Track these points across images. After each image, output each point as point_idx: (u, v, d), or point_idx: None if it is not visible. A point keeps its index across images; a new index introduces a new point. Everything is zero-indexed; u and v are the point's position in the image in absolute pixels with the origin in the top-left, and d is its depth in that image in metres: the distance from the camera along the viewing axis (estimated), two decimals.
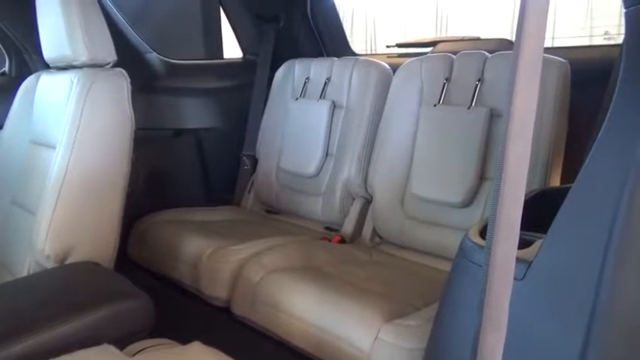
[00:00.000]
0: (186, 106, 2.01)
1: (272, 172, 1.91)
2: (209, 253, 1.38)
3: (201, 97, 2.03)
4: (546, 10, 0.42)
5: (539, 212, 0.72)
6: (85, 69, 1.24)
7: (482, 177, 1.37)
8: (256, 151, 2.01)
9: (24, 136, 1.38)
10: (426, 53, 1.93)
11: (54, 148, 1.20)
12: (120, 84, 1.23)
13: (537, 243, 0.69)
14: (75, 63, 1.26)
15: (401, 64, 1.73)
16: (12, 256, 1.23)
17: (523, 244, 0.72)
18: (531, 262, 0.65)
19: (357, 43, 4.88)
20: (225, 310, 1.31)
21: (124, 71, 1.27)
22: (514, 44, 0.44)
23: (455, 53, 1.57)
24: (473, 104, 1.42)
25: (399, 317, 1.02)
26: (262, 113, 2.03)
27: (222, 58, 2.43)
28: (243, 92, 2.10)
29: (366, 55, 2.25)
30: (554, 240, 0.67)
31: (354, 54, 2.20)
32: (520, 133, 0.45)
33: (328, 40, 2.17)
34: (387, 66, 1.75)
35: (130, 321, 0.92)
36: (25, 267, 1.15)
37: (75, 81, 1.20)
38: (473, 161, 1.36)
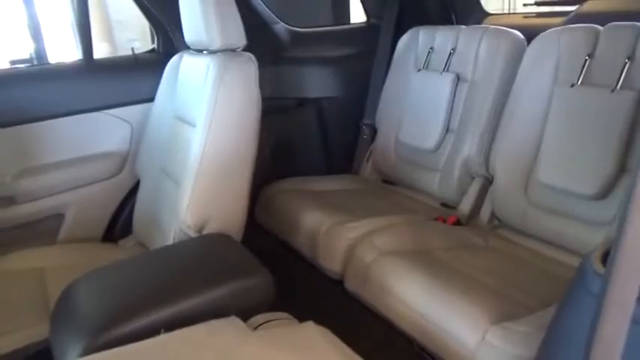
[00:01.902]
0: (309, 75, 2.06)
1: (391, 144, 1.91)
2: (326, 229, 1.47)
3: (324, 66, 2.06)
4: None
5: None
6: (219, 54, 1.35)
7: (622, 168, 1.24)
8: (376, 121, 2.01)
9: (170, 111, 1.56)
10: (569, 13, 1.73)
11: (194, 126, 1.35)
12: (249, 69, 1.32)
13: None
14: (210, 48, 1.37)
15: (538, 28, 1.57)
16: (162, 220, 1.44)
17: None
18: None
19: (493, 2, 4.44)
20: (339, 283, 1.40)
21: (252, 56, 1.36)
22: None
23: (606, 18, 1.39)
24: (618, 86, 1.26)
25: (509, 319, 1.01)
26: (383, 82, 2.01)
27: (348, 22, 2.42)
28: (366, 60, 2.09)
29: (500, 14, 2.08)
30: None
31: (486, 14, 2.04)
32: None
33: None
34: (521, 36, 1.60)
35: (254, 295, 1.04)
36: (171, 233, 1.34)
37: (210, 66, 1.32)
38: (612, 149, 1.23)
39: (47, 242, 1.67)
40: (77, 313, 0.96)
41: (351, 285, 1.35)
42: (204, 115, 1.29)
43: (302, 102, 2.07)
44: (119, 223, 1.79)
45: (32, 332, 1.09)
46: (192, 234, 1.27)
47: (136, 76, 1.79)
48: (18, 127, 1.59)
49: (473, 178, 1.64)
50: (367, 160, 2.03)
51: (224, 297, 1.00)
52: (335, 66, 2.07)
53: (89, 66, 1.74)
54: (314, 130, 2.07)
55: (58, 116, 1.65)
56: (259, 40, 1.92)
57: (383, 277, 1.25)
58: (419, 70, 1.84)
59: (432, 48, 1.81)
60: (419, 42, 1.87)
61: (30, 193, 1.62)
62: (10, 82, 1.60)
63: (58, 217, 1.69)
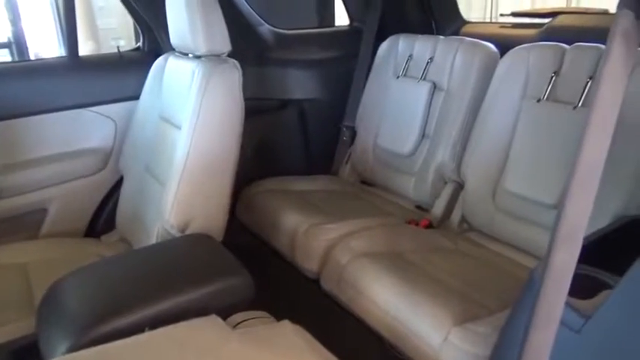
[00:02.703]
0: (292, 77, 2.11)
1: (369, 147, 1.98)
2: (304, 230, 1.53)
3: (307, 68, 2.11)
4: None
5: (625, 247, 0.69)
6: (204, 59, 1.39)
7: None
8: (356, 124, 2.08)
9: (154, 111, 1.60)
10: (542, 25, 1.82)
11: (179, 128, 1.40)
12: (233, 76, 1.37)
13: (603, 294, 0.70)
14: (196, 53, 1.42)
15: (513, 38, 1.65)
16: (145, 218, 1.48)
17: (590, 289, 0.72)
18: (590, 315, 0.67)
19: (475, 10, 4.51)
20: (316, 282, 1.47)
21: (236, 63, 1.41)
22: None
23: (575, 32, 1.47)
24: (580, 104, 1.35)
25: (470, 321, 1.09)
26: (364, 86, 2.07)
27: (333, 25, 2.47)
28: (348, 63, 2.15)
29: (478, 22, 2.15)
30: (625, 292, 0.64)
31: (465, 22, 2.12)
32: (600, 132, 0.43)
33: (436, 5, 2.10)
34: (494, 49, 1.68)
35: (234, 295, 1.10)
36: (155, 231, 1.38)
37: (196, 72, 1.36)
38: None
39: (30, 237, 1.70)
40: (64, 310, 1.01)
41: (326, 284, 1.43)
42: (189, 118, 1.33)
43: (284, 103, 2.12)
44: (102, 219, 1.83)
45: (17, 327, 1.13)
46: (176, 233, 1.33)
47: (121, 74, 1.81)
48: (2, 122, 1.61)
49: (445, 183, 1.72)
50: (346, 162, 2.10)
51: (205, 296, 1.05)
52: (318, 68, 2.12)
53: (74, 63, 1.76)
54: (295, 131, 2.13)
55: (42, 112, 1.68)
56: (243, 41, 1.96)
57: (357, 279, 1.32)
58: (398, 77, 1.91)
59: (410, 56, 1.88)
60: (399, 49, 1.94)
61: (13, 187, 1.64)
62: None
63: (42, 211, 1.72)
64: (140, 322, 0.96)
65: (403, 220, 1.66)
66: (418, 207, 1.80)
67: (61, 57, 1.78)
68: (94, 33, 2.20)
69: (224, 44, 1.40)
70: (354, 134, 2.09)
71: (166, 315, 0.98)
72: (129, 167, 1.69)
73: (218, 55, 1.41)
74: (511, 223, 1.48)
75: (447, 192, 1.71)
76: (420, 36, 1.90)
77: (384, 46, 2.01)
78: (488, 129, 1.56)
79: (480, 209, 1.55)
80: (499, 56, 1.66)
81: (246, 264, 1.14)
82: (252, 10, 2.05)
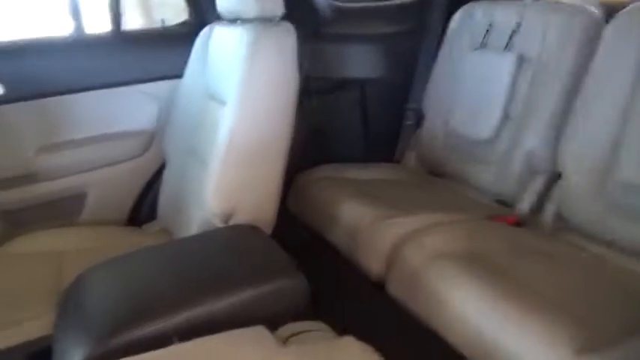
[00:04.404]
0: (352, 54, 1.90)
1: (439, 131, 1.73)
2: (368, 223, 1.31)
3: (368, 44, 1.89)
4: None
5: None
6: (254, 23, 1.20)
7: None
8: (423, 105, 1.83)
9: (200, 88, 1.43)
10: None
11: (224, 103, 1.21)
12: (287, 41, 1.16)
13: None
14: (244, 16, 1.22)
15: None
16: (186, 206, 1.31)
17: None
18: None
19: None
20: (381, 286, 1.24)
21: (291, 26, 1.20)
22: None
23: None
24: None
25: (593, 351, 0.83)
26: (433, 63, 1.82)
27: None
28: (414, 38, 1.91)
29: None
30: None
31: None
32: None
33: None
34: (598, 14, 1.39)
35: (285, 301, 0.90)
36: (195, 220, 1.21)
37: (244, 36, 1.17)
38: None
39: (68, 223, 1.57)
40: (85, 309, 0.84)
41: (395, 290, 1.19)
42: (234, 91, 1.14)
43: (342, 83, 1.91)
44: (144, 207, 1.68)
45: (36, 326, 0.97)
46: (218, 223, 1.14)
47: (166, 49, 1.66)
48: (41, 100, 1.49)
49: (535, 174, 1.44)
50: (412, 149, 1.85)
51: (250, 301, 0.86)
52: (380, 44, 1.89)
53: (117, 38, 1.62)
54: (354, 114, 1.91)
55: (82, 90, 1.54)
56: (298, 13, 1.76)
57: (433, 284, 1.08)
58: (475, 50, 1.64)
59: (490, 25, 1.61)
60: (476, 18, 1.67)
61: (52, 170, 1.52)
62: (33, 52, 1.50)
63: (81, 197, 1.59)
64: (170, 330, 0.78)
65: (483, 215, 1.40)
66: (499, 202, 1.53)
67: (104, 32, 1.64)
68: (146, 7, 2.06)
69: (276, 6, 1.20)
70: (420, 117, 1.84)
71: (202, 323, 0.80)
72: (172, 151, 1.53)
73: (270, 19, 1.21)
74: (625, 222, 1.19)
75: (537, 184, 1.43)
76: (501, 1, 1.62)
77: (457, 16, 1.75)
78: (595, 109, 1.27)
79: (582, 204, 1.27)
80: (604, 21, 1.36)
81: (299, 263, 0.94)
82: None
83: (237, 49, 1.17)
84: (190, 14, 1.74)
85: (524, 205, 1.43)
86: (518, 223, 1.40)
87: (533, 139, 1.42)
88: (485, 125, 1.55)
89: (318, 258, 1.41)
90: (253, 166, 1.15)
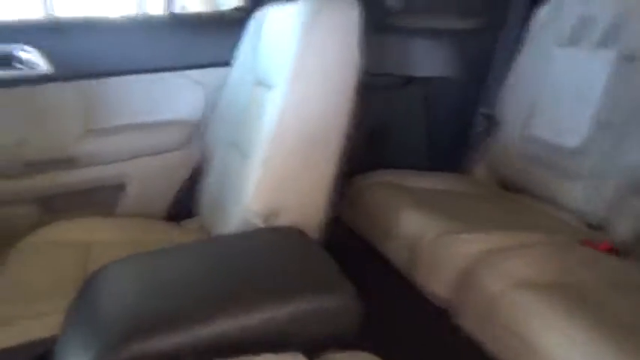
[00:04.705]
0: (419, 49, 1.72)
1: (515, 139, 1.51)
2: (432, 238, 1.12)
3: (438, 40, 1.71)
4: None
5: None
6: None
7: None
8: (497, 109, 1.62)
9: (249, 76, 1.29)
10: None
11: (272, 87, 1.06)
12: (349, 17, 1.00)
13: None
14: None
15: None
16: (226, 203, 1.17)
17: None
18: None
19: None
20: (445, 313, 1.04)
21: (355, 2, 1.04)
22: None
23: None
24: None
25: None
26: (510, 62, 1.61)
27: None
28: (489, 35, 1.71)
29: None
30: None
31: None
32: None
33: None
34: None
35: (331, 323, 0.72)
36: (234, 219, 1.06)
37: (300, 11, 1.02)
38: None
39: (105, 214, 1.47)
40: (96, 308, 0.70)
41: (463, 319, 0.99)
42: (284, 70, 0.99)
43: (407, 81, 1.73)
44: (184, 202, 1.56)
45: (45, 324, 0.85)
46: (259, 223, 0.98)
47: (218, 35, 1.54)
48: (88, 81, 1.40)
49: (636, 192, 1.20)
50: (481, 158, 1.64)
51: (289, 319, 0.69)
52: (451, 41, 1.70)
53: (166, 20, 1.52)
54: (417, 116, 1.72)
55: (129, 73, 1.44)
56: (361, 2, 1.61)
57: (514, 316, 0.88)
58: (564, 46, 1.42)
59: (585, 17, 1.39)
60: (566, 10, 1.46)
61: (92, 157, 1.42)
62: (83, 32, 1.42)
63: (119, 187, 1.49)
64: (190, 345, 0.62)
65: (572, 238, 1.17)
66: (590, 226, 1.28)
67: (155, 14, 1.55)
68: None
69: None
70: (493, 123, 1.63)
71: (229, 340, 0.64)
72: (215, 143, 1.41)
73: None
74: None
75: (638, 205, 1.19)
76: None
77: (544, 10, 1.53)
78: None
79: None
80: None
81: (348, 278, 0.76)
82: None
83: (292, 26, 1.02)
84: None
85: (622, 229, 1.19)
86: (613, 251, 1.16)
87: (635, 152, 1.19)
88: (573, 132, 1.33)
89: (369, 274, 1.23)
90: (302, 160, 0.99)
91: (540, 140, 1.42)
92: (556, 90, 1.42)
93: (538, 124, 1.45)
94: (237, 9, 1.64)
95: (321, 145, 1.01)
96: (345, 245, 1.28)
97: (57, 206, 1.41)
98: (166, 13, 1.52)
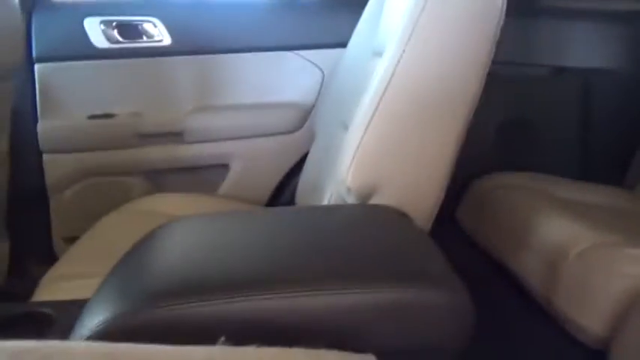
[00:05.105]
0: (574, 35, 1.45)
1: None
2: (580, 251, 0.84)
3: (600, 24, 1.43)
4: None
5: None
6: None
7: None
8: None
9: (365, 54, 1.14)
10: None
11: (381, 54, 0.89)
12: None
13: None
14: None
15: None
16: (323, 182, 1.02)
17: None
18: None
19: None
20: (600, 354, 0.75)
21: None
22: None
23: None
24: None
25: None
26: None
27: None
28: None
29: None
30: None
31: None
32: None
33: None
34: None
35: (425, 323, 0.52)
36: (326, 195, 0.90)
37: None
38: None
39: (207, 193, 1.43)
40: (135, 266, 0.59)
41: None
42: (398, 34, 0.80)
43: (558, 72, 1.45)
44: (288, 189, 1.46)
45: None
46: (353, 200, 0.81)
47: (336, 15, 1.43)
48: (204, 56, 1.38)
49: None
50: None
51: (367, 308, 0.50)
52: (619, 24, 1.42)
53: (285, 0, 1.46)
54: (570, 114, 1.44)
55: (245, 51, 1.40)
56: None
57: None
58: None
59: None
60: None
61: (199, 133, 1.40)
62: (203, 7, 1.41)
63: (223, 168, 1.45)
64: (227, 319, 0.47)
65: None
66: None
67: None
68: None
69: None
70: None
71: (281, 321, 0.47)
72: (322, 125, 1.28)
73: None
74: None
75: None
76: None
77: None
78: None
79: None
80: None
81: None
82: None
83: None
84: None
85: None
86: None
87: None
88: None
89: (491, 296, 0.97)
90: (412, 132, 0.79)
91: None
92: None
93: None
94: None
95: (438, 118, 0.80)
96: (462, 256, 1.06)
97: (163, 180, 1.41)
98: None
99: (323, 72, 1.40)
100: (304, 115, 1.42)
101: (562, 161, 1.42)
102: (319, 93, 1.40)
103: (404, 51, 0.80)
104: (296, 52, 1.41)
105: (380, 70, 0.83)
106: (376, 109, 0.80)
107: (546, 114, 1.43)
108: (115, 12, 1.32)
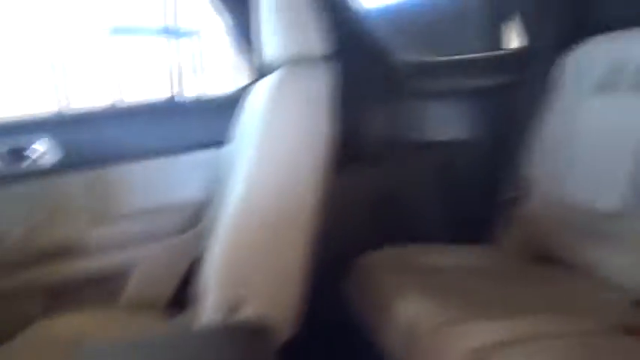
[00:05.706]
0: (435, 113, 1.61)
1: (550, 203, 1.32)
2: (430, 327, 0.93)
3: (455, 102, 1.61)
4: None
5: None
6: (285, 66, 0.98)
7: None
8: (527, 171, 1.43)
9: (237, 152, 1.24)
10: None
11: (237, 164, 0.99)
12: (314, 85, 0.92)
13: None
14: (275, 62, 1.02)
15: None
16: (200, 289, 1.06)
17: None
18: None
19: None
20: None
21: (331, 67, 0.96)
22: None
23: None
24: None
25: None
26: (536, 121, 1.44)
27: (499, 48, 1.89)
28: (512, 93, 1.57)
29: None
30: None
31: None
32: None
33: None
34: None
35: None
36: (201, 313, 0.95)
37: (269, 82, 0.96)
38: None
39: (110, 302, 1.43)
40: None
41: None
42: (248, 146, 0.92)
43: (422, 147, 1.60)
44: (189, 287, 1.49)
45: None
46: (220, 317, 0.87)
47: (218, 115, 1.53)
48: (94, 170, 1.42)
49: None
50: (510, 227, 1.43)
51: None
52: (470, 101, 1.60)
53: (166, 105, 1.55)
54: (435, 183, 1.57)
55: (129, 160, 1.45)
56: (372, 70, 1.56)
57: None
58: (597, 94, 1.25)
59: (620, 61, 1.22)
60: (596, 57, 1.30)
61: (96, 245, 1.41)
62: (91, 121, 1.48)
63: (123, 275, 1.45)
64: None
65: (612, 324, 0.93)
66: (637, 302, 1.03)
67: (155, 100, 1.59)
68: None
69: (312, 42, 0.97)
70: (523, 187, 1.43)
71: None
72: (213, 226, 1.34)
73: (306, 60, 0.98)
74: None
75: None
76: (636, 30, 1.23)
77: (571, 58, 1.38)
78: None
79: None
80: None
81: None
82: (385, 36, 1.62)
83: (261, 97, 0.97)
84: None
85: None
86: None
87: None
88: (612, 192, 1.12)
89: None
90: (262, 245, 0.88)
91: (578, 204, 1.22)
92: (590, 145, 1.24)
93: (573, 186, 1.25)
94: (237, 90, 1.64)
95: (284, 231, 0.89)
96: (352, 334, 1.12)
97: (62, 296, 1.39)
98: (167, 97, 1.55)
99: (208, 171, 1.46)
100: (193, 215, 1.47)
101: (433, 228, 1.55)
102: (207, 192, 1.47)
103: (252, 166, 0.91)
104: (179, 155, 1.47)
105: (235, 183, 0.93)
106: (236, 220, 0.89)
107: (414, 185, 1.57)
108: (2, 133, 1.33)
